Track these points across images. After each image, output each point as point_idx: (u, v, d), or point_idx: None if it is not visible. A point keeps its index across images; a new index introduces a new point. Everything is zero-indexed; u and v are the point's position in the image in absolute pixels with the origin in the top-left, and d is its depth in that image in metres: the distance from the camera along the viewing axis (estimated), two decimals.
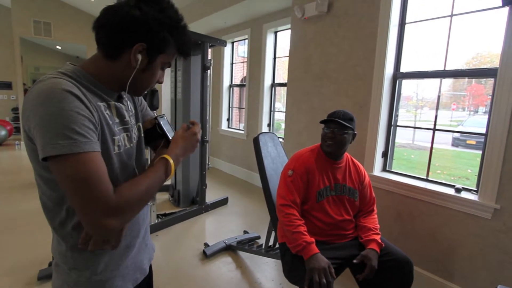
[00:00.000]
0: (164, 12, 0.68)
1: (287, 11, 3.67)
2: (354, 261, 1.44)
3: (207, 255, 2.39)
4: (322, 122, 1.60)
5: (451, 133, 6.21)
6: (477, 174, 1.88)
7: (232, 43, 5.05)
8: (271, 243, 2.24)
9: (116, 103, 0.75)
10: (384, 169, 2.35)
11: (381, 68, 2.19)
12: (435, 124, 2.08)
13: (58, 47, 7.72)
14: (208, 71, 3.18)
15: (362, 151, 2.34)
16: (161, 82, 0.79)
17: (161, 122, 0.88)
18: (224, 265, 2.31)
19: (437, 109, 2.08)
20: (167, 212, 3.11)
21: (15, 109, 7.41)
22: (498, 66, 1.69)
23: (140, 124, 0.87)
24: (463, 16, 1.93)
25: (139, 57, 0.68)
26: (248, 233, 2.79)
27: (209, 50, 3.29)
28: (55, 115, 0.56)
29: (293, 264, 1.47)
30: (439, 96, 2.06)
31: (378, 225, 1.61)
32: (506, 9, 1.64)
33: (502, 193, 1.69)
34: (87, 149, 0.58)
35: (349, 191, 1.62)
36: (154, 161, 0.79)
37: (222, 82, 5.10)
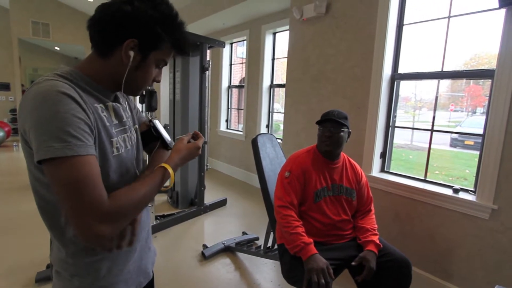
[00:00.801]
0: (157, 8, 0.67)
1: (285, 12, 3.67)
2: (353, 263, 1.44)
3: (205, 257, 2.39)
4: (318, 122, 1.62)
5: (449, 133, 6.23)
6: (475, 175, 1.88)
7: (231, 44, 5.06)
8: (269, 244, 2.24)
9: (114, 104, 0.74)
10: (382, 170, 2.35)
11: (379, 69, 2.20)
12: (433, 125, 2.09)
13: (57, 48, 7.72)
14: (207, 72, 3.18)
15: (360, 152, 2.34)
16: (158, 81, 0.77)
17: (156, 125, 0.88)
18: (223, 267, 2.31)
19: (435, 110, 2.09)
20: (165, 213, 3.11)
21: (13, 110, 7.39)
22: (495, 67, 1.70)
23: (137, 127, 0.86)
24: (460, 18, 1.94)
25: (131, 53, 0.66)
26: (246, 234, 2.78)
27: (208, 51, 3.29)
28: (50, 118, 0.55)
29: (291, 265, 1.47)
30: (437, 97, 2.07)
31: (376, 225, 1.61)
32: (503, 11, 1.65)
33: (500, 193, 1.70)
34: (82, 152, 0.56)
35: (346, 191, 1.63)
36: (152, 166, 0.79)
37: (221, 83, 5.10)
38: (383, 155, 2.34)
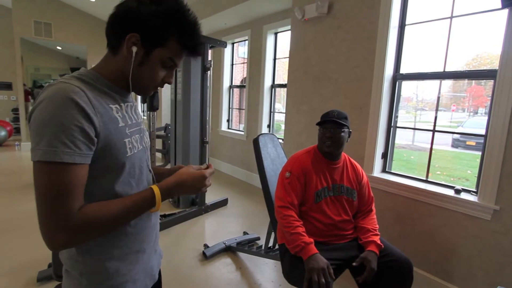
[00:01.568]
0: (163, 3, 0.66)
1: (287, 13, 3.67)
2: (354, 264, 1.44)
3: (206, 256, 2.39)
4: (318, 124, 1.62)
5: (451, 134, 6.22)
6: (476, 175, 1.88)
7: (232, 44, 5.06)
8: (270, 244, 2.24)
9: (130, 103, 0.76)
10: (383, 170, 2.35)
11: (381, 70, 2.19)
12: (434, 125, 2.09)
13: (59, 48, 7.74)
14: (208, 72, 3.18)
15: (362, 152, 2.34)
16: (169, 83, 0.75)
17: None
18: (224, 266, 2.31)
19: (437, 110, 2.08)
20: (166, 213, 3.11)
21: (15, 110, 7.41)
22: (497, 68, 1.69)
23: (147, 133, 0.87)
24: (463, 18, 1.93)
25: (134, 49, 0.66)
26: (247, 234, 2.78)
27: (209, 51, 3.29)
28: (47, 122, 0.56)
29: (292, 265, 1.47)
30: (439, 97, 2.06)
31: (377, 226, 1.61)
32: (505, 11, 1.64)
33: (502, 194, 1.69)
34: (66, 159, 0.56)
35: (347, 191, 1.63)
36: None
37: (222, 83, 5.11)
38: (384, 156, 2.33)
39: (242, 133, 4.75)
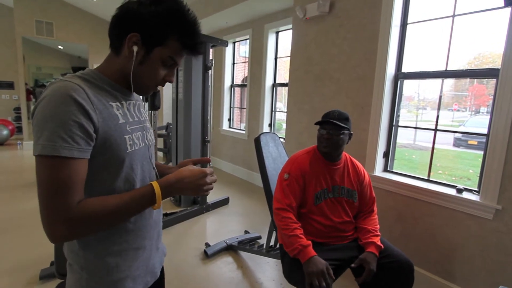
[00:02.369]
0: (162, 3, 0.68)
1: (288, 11, 3.67)
2: (352, 265, 1.43)
3: (208, 255, 2.39)
4: (317, 123, 1.58)
5: (453, 133, 6.20)
6: (478, 175, 1.87)
7: (234, 43, 5.06)
8: (272, 243, 2.24)
9: (132, 102, 0.77)
10: (385, 170, 2.35)
11: (382, 69, 2.19)
12: (436, 124, 2.08)
13: (60, 47, 7.75)
14: (210, 71, 3.18)
15: (363, 152, 2.34)
16: (170, 81, 0.76)
17: None
18: (225, 265, 2.31)
19: (438, 109, 2.07)
20: (168, 212, 3.12)
21: (17, 109, 7.43)
22: (500, 67, 1.68)
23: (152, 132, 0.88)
24: (465, 17, 1.92)
25: (135, 48, 0.67)
26: (249, 233, 2.79)
27: (211, 50, 3.29)
28: (48, 118, 0.58)
29: (292, 266, 1.46)
30: (440, 96, 2.05)
31: (378, 226, 1.59)
32: (508, 9, 1.64)
33: (504, 193, 1.69)
34: (65, 154, 0.58)
35: (347, 193, 1.60)
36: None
37: (224, 82, 5.11)
38: (386, 155, 2.33)
39: (244, 132, 4.75)
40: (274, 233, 2.12)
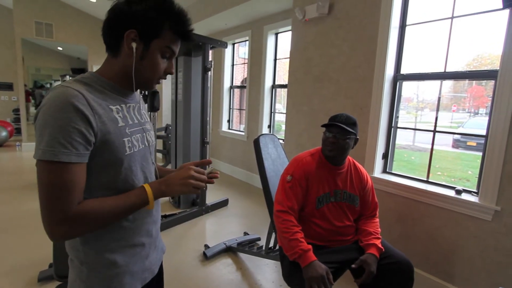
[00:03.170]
0: None
1: (288, 13, 3.67)
2: (353, 266, 1.42)
3: (207, 257, 2.39)
4: (324, 126, 1.55)
5: (452, 134, 6.21)
6: (477, 176, 1.88)
7: (233, 44, 5.06)
8: (271, 244, 2.24)
9: (132, 104, 0.80)
10: (384, 171, 2.35)
11: (381, 70, 2.19)
12: (435, 126, 2.08)
13: (60, 48, 7.74)
14: (209, 72, 3.18)
15: (363, 153, 2.34)
16: (171, 73, 0.79)
17: None
18: (225, 267, 2.31)
19: (437, 110, 2.08)
20: (167, 213, 3.11)
21: (16, 110, 7.41)
22: (498, 68, 1.69)
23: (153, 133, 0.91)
24: (464, 18, 1.93)
25: (134, 45, 0.70)
26: (248, 234, 2.78)
27: (210, 51, 3.29)
28: (47, 124, 0.61)
29: (291, 269, 1.45)
30: (439, 98, 2.06)
31: (379, 229, 1.58)
32: (506, 11, 1.64)
33: (503, 194, 1.69)
34: (63, 159, 0.62)
35: (349, 198, 1.59)
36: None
37: (223, 84, 5.11)
38: (385, 156, 2.33)
39: (243, 133, 4.75)
40: (273, 235, 2.12)
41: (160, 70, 0.76)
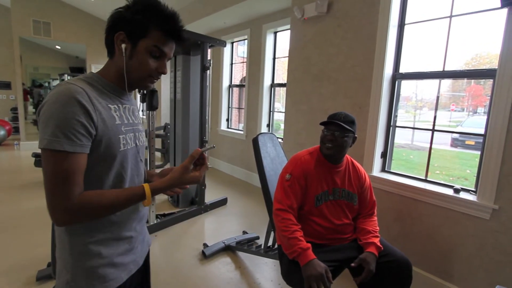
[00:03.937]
0: (139, 3, 0.76)
1: (286, 12, 3.67)
2: (352, 264, 1.43)
3: (206, 256, 2.39)
4: (322, 123, 1.56)
5: (450, 133, 6.23)
6: (475, 175, 1.88)
7: (232, 43, 5.05)
8: (270, 243, 2.24)
9: (127, 106, 0.86)
10: (383, 170, 2.35)
11: (380, 69, 2.19)
12: (434, 125, 2.09)
13: (58, 47, 7.71)
14: (208, 71, 3.18)
15: (361, 152, 2.34)
16: (163, 73, 0.82)
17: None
18: (223, 266, 2.31)
19: (436, 109, 2.08)
20: (166, 212, 3.11)
21: (14, 109, 7.39)
22: (497, 67, 1.69)
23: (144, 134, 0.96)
24: (462, 17, 1.93)
25: (123, 45, 0.76)
26: (247, 233, 2.79)
27: (209, 50, 3.29)
28: (53, 116, 0.66)
29: (290, 267, 1.45)
30: (438, 97, 2.06)
31: (377, 228, 1.59)
32: (505, 10, 1.65)
33: (501, 193, 1.69)
34: (67, 149, 0.66)
35: (347, 196, 1.60)
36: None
37: (222, 82, 5.10)
38: (384, 155, 2.33)
39: (242, 132, 4.75)
40: (272, 234, 2.12)
41: (148, 68, 0.79)
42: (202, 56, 3.14)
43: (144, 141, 0.94)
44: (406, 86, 2.47)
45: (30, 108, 7.26)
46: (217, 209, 3.49)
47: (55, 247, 1.66)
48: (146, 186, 0.78)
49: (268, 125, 4.38)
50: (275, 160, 2.14)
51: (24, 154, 6.00)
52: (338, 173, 1.60)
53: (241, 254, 2.47)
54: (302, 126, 2.88)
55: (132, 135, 0.85)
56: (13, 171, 4.76)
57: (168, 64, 3.64)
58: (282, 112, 3.69)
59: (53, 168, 0.67)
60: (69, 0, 6.41)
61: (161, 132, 5.18)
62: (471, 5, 1.89)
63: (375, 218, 1.65)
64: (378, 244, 1.49)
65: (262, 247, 2.26)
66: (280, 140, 2.64)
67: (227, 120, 5.26)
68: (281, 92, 4.93)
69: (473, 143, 6.13)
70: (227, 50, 5.02)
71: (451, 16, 1.95)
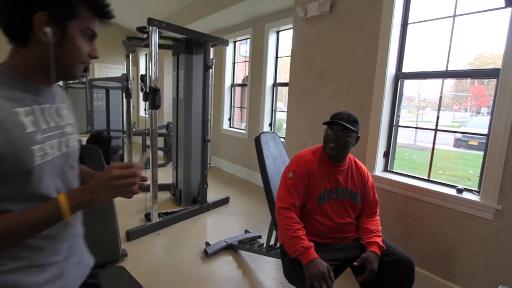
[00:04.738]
0: None
1: (289, 11, 3.66)
2: (355, 263, 1.43)
3: (208, 254, 2.40)
4: (325, 123, 1.56)
5: (453, 133, 6.20)
6: (478, 175, 1.87)
7: (234, 42, 5.06)
8: (272, 242, 2.24)
9: (47, 106, 0.69)
10: (385, 169, 2.35)
11: (383, 68, 2.19)
12: (436, 125, 2.08)
13: None
14: (210, 70, 3.18)
15: (364, 151, 2.34)
16: (95, 57, 0.70)
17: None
18: (225, 264, 2.32)
19: (439, 109, 2.08)
20: (168, 211, 3.12)
21: None
22: (500, 67, 1.68)
23: (77, 136, 0.80)
24: (466, 17, 1.92)
25: (48, 29, 0.60)
26: (249, 232, 2.79)
27: (211, 49, 3.29)
28: None
29: (292, 266, 1.46)
30: (441, 97, 2.06)
31: (380, 227, 1.59)
32: (509, 10, 1.64)
33: (504, 193, 1.69)
34: None
35: (350, 194, 1.60)
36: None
37: (224, 82, 5.11)
38: (386, 155, 2.33)
39: (244, 131, 4.75)
40: (274, 233, 2.12)
41: (84, 54, 0.67)
42: (204, 55, 3.15)
43: (75, 145, 0.77)
44: (409, 86, 2.46)
45: None
46: (219, 208, 3.50)
47: None
48: (62, 197, 0.62)
49: (270, 124, 4.38)
50: (277, 159, 2.14)
51: None
52: (341, 172, 1.60)
53: (243, 253, 2.48)
54: (304, 125, 2.88)
55: (56, 141, 0.68)
56: None
57: (171, 63, 3.65)
58: (284, 112, 3.70)
59: None
60: None
61: (163, 131, 5.20)
62: (474, 4, 1.88)
63: (378, 217, 1.65)
64: (381, 243, 1.49)
65: (264, 245, 2.27)
66: (282, 139, 2.64)
67: (229, 119, 5.26)
68: (283, 92, 4.93)
69: (476, 143, 6.10)
70: (229, 49, 5.02)
71: (454, 16, 1.95)
